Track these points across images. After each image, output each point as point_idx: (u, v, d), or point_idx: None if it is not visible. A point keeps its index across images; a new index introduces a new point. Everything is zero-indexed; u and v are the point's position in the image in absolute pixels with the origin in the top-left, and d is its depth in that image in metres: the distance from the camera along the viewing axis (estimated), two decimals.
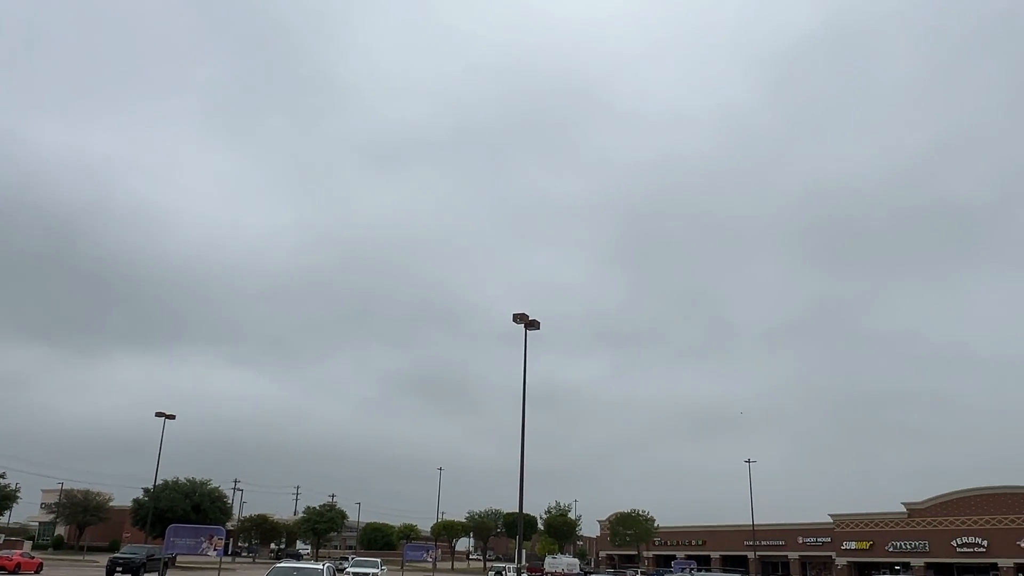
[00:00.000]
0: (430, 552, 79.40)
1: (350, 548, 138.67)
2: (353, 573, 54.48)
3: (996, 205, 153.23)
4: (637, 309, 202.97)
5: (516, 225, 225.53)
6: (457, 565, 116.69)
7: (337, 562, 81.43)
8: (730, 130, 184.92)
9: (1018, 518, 76.75)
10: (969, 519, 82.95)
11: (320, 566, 30.03)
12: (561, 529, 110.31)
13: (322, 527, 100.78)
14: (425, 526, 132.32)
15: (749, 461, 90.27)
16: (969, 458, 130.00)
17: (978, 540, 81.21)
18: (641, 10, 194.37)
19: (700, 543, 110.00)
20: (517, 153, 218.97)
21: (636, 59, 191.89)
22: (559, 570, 79.66)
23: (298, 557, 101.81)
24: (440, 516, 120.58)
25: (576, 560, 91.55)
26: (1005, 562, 78.60)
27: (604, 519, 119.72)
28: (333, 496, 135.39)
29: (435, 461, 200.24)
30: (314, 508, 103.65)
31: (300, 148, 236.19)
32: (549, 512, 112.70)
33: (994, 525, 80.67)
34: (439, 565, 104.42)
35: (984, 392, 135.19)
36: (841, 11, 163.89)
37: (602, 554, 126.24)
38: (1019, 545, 77.87)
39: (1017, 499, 78.19)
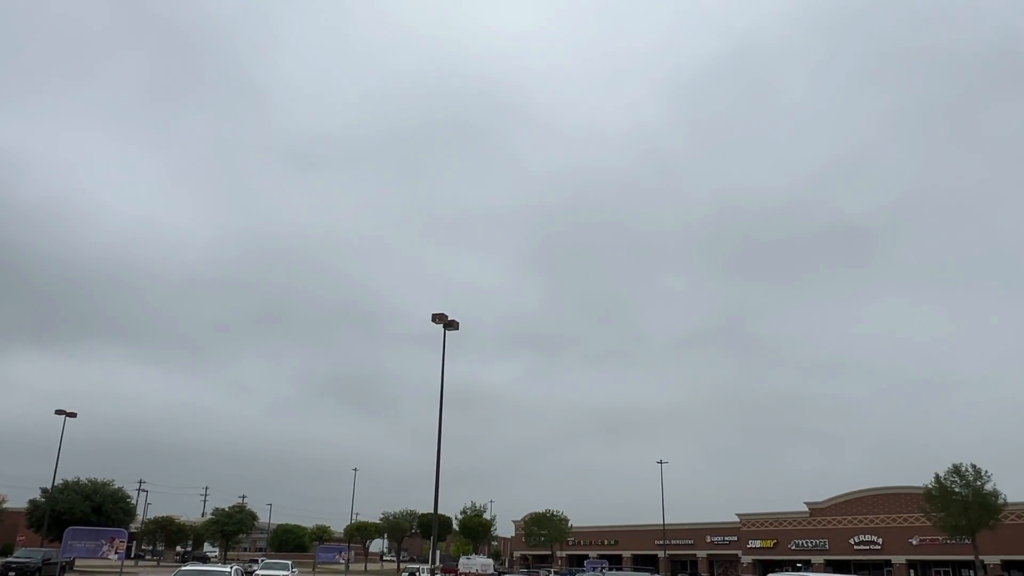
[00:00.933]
0: (343, 554, 78.58)
1: (260, 550, 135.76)
2: None
3: (885, 225, 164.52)
4: (553, 315, 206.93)
5: (436, 230, 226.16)
6: (371, 566, 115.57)
7: (246, 565, 79.58)
8: (642, 147, 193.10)
9: (910, 517, 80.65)
10: (866, 518, 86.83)
11: (227, 569, 29.38)
12: (476, 530, 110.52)
13: (231, 529, 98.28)
14: (339, 527, 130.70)
15: (661, 462, 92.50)
16: (863, 460, 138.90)
17: (874, 538, 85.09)
18: (562, 30, 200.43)
19: (612, 543, 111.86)
20: (438, 160, 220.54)
21: (555, 76, 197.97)
22: (473, 570, 79.79)
23: (205, 560, 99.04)
24: (354, 517, 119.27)
25: (490, 560, 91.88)
26: (898, 559, 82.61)
27: (519, 519, 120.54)
28: (243, 497, 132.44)
29: (351, 462, 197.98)
30: (223, 509, 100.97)
31: (219, 147, 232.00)
32: (464, 513, 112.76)
33: (888, 524, 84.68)
34: (352, 567, 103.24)
35: (873, 397, 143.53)
36: (745, 41, 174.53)
37: (516, 554, 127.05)
38: (911, 543, 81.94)
39: (908, 499, 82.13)
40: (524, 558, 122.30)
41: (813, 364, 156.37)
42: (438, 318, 43.80)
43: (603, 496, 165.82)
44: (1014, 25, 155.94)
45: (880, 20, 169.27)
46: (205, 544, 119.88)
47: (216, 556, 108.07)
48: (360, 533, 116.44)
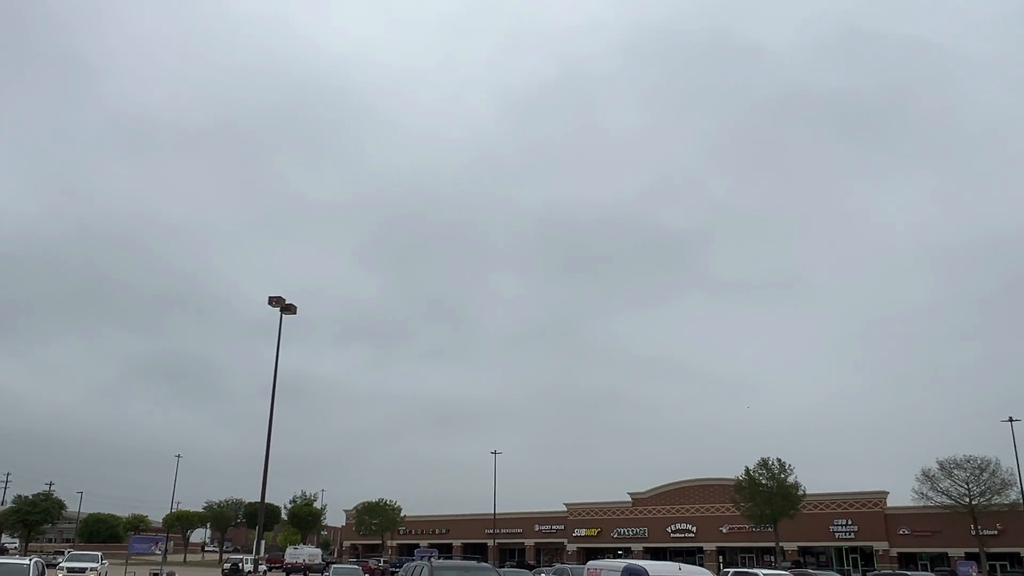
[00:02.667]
0: (159, 544, 74.33)
1: (67, 541, 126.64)
2: (67, 569, 49.72)
3: (698, 239, 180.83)
4: (390, 308, 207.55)
5: (274, 221, 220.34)
6: (191, 557, 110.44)
7: (50, 557, 74.06)
8: (478, 153, 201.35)
9: (722, 507, 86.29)
10: (683, 508, 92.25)
11: (26, 561, 27.27)
12: (306, 519, 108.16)
13: (34, 518, 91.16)
14: (158, 517, 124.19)
15: (495, 452, 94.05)
16: (680, 454, 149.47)
17: (689, 527, 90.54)
18: (408, 36, 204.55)
19: (444, 532, 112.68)
20: (277, 151, 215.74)
21: (399, 79, 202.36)
22: (299, 560, 77.99)
23: (3, 552, 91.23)
24: (175, 506, 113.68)
25: (319, 551, 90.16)
26: (709, 546, 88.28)
27: (351, 509, 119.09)
28: (50, 485, 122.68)
29: (176, 449, 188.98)
30: (26, 497, 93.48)
31: (42, 122, 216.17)
32: (294, 501, 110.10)
33: (703, 513, 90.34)
34: (171, 558, 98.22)
35: (686, 396, 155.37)
36: (576, 66, 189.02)
37: (346, 544, 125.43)
38: (721, 531, 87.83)
39: (720, 490, 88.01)
40: (354, 548, 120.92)
41: (633, 364, 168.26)
42: (276, 301, 42.54)
43: (435, 486, 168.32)
44: (807, 73, 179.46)
45: (698, 57, 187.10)
46: (3, 535, 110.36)
47: (16, 548, 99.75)
48: (180, 522, 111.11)
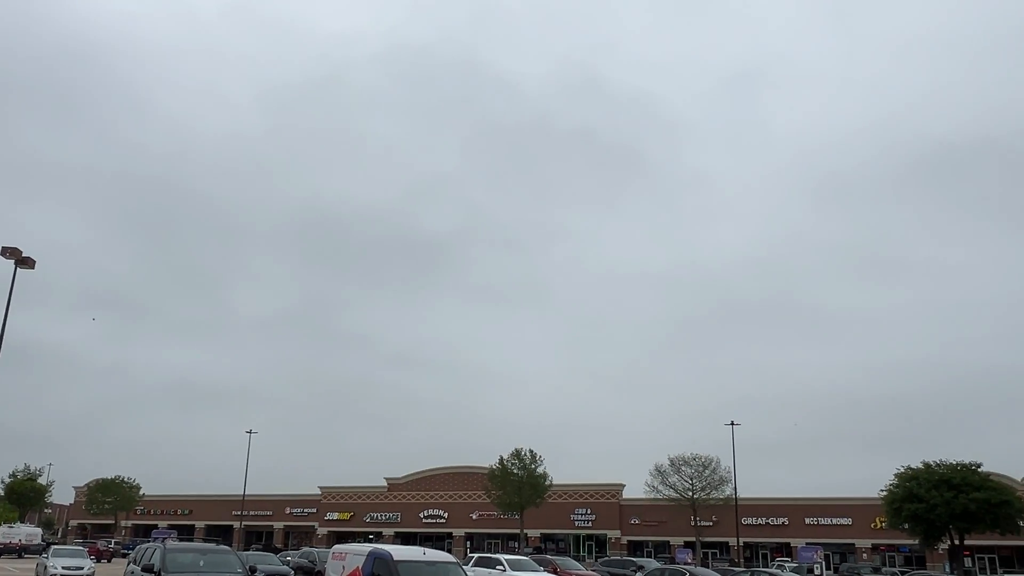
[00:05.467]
0: None
1: None
2: None
3: (454, 242, 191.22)
4: (139, 280, 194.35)
5: (10, 181, 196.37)
6: None
7: None
8: (239, 140, 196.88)
9: (474, 494, 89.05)
10: (436, 494, 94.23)
11: None
12: (27, 495, 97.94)
13: None
14: None
15: (250, 432, 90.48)
16: (435, 442, 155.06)
17: (440, 512, 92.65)
18: (175, 17, 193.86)
19: (187, 512, 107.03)
20: (17, 108, 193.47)
21: (161, 58, 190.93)
22: (14, 541, 70.55)
23: None
24: None
25: (39, 530, 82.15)
26: (458, 532, 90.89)
27: (82, 486, 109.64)
28: None
29: None
30: None
31: None
32: (14, 476, 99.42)
33: (455, 500, 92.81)
34: None
35: (440, 389, 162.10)
36: (339, 71, 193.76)
37: (74, 523, 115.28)
38: (471, 517, 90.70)
39: (471, 478, 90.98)
40: (83, 528, 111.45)
41: (388, 355, 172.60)
42: (10, 252, 38.22)
43: (181, 467, 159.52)
44: (556, 107, 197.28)
45: (454, 80, 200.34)
46: None
47: None
48: None
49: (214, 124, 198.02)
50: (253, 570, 22.83)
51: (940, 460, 57.97)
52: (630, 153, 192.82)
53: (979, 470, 56.88)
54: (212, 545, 28.31)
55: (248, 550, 68.24)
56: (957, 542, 56.80)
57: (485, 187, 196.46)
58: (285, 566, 41.25)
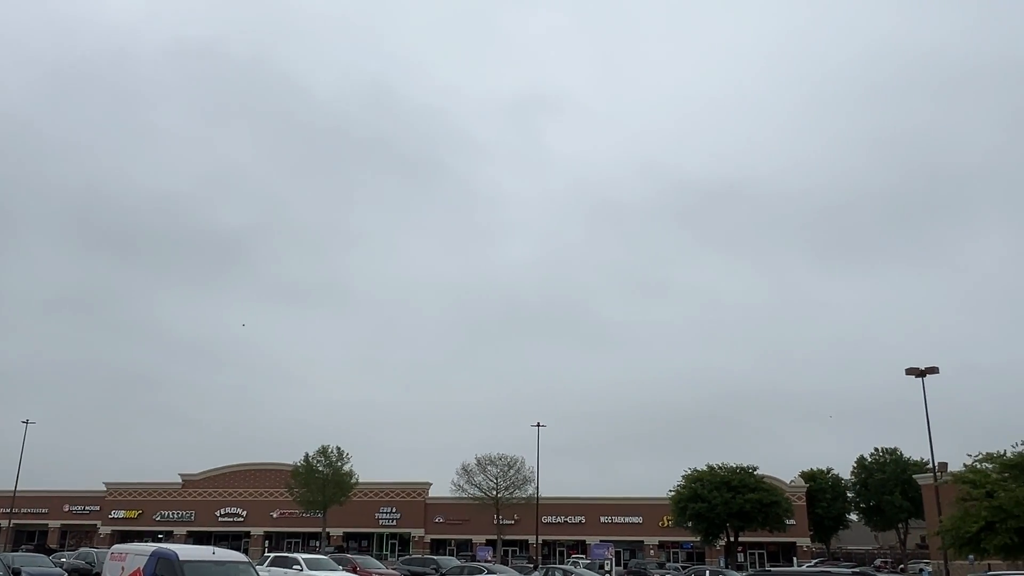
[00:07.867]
0: None
1: None
2: None
3: (250, 238, 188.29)
4: None
5: None
6: None
7: None
8: (10, 119, 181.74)
9: (275, 492, 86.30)
10: (235, 491, 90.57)
11: None
12: None
13: None
14: None
15: (27, 422, 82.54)
16: (231, 438, 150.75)
17: (239, 511, 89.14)
18: None
19: None
20: None
21: None
22: None
23: None
24: None
25: None
26: (257, 530, 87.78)
27: None
28: None
29: None
30: None
31: None
32: None
33: (255, 498, 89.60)
34: None
35: (236, 385, 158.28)
36: (118, 60, 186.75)
37: None
38: (271, 516, 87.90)
39: (274, 475, 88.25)
40: None
41: (177, 348, 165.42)
42: None
43: None
44: (352, 114, 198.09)
45: (246, 80, 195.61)
46: None
47: None
48: None
49: None
50: (17, 573, 21.04)
51: (722, 463, 63.16)
52: (428, 164, 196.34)
53: (755, 472, 62.55)
54: None
55: (16, 551, 62.39)
56: (733, 539, 62.03)
57: (282, 185, 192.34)
58: (58, 568, 38.08)
